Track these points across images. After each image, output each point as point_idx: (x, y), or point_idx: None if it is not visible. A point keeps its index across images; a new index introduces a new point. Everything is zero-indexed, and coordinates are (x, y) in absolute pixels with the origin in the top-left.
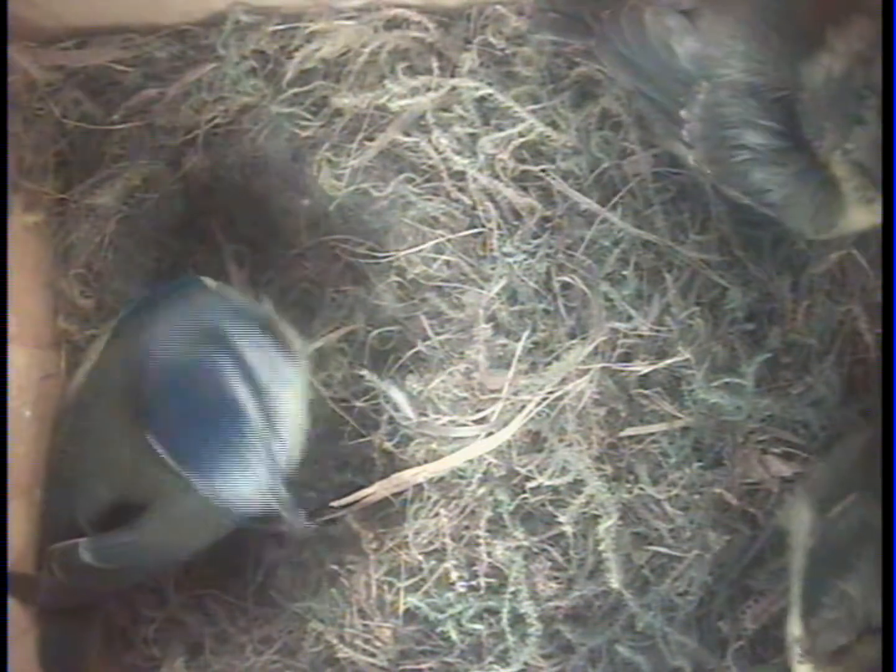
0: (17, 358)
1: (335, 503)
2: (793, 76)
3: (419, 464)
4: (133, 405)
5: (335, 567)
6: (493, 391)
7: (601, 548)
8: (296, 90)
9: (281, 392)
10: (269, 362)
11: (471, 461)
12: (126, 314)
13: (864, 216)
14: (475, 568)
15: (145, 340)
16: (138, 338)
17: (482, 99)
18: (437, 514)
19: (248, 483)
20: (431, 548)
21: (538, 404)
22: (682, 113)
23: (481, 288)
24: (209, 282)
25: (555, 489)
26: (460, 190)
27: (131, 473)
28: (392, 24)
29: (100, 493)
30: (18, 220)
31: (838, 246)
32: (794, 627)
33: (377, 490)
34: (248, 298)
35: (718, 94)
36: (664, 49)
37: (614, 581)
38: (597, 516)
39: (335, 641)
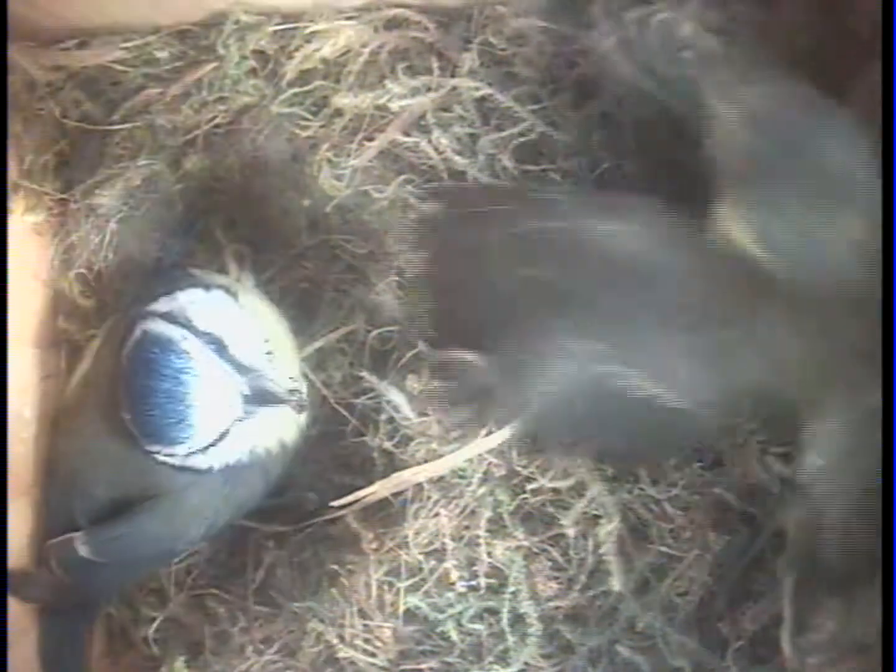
0: (17, 358)
1: (335, 503)
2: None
3: (419, 464)
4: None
5: (335, 567)
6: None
7: (601, 550)
8: (296, 90)
9: (236, 334)
10: (223, 314)
11: (471, 461)
12: (118, 315)
13: None
14: (475, 568)
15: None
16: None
17: (482, 99)
18: (437, 514)
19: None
20: (431, 548)
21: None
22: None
23: None
24: (195, 272)
25: (555, 490)
26: None
27: (125, 470)
28: (392, 24)
29: (97, 492)
30: (19, 221)
31: None
32: (785, 645)
33: (377, 490)
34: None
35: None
36: (673, 58)
37: (616, 583)
38: (597, 517)
39: (335, 641)
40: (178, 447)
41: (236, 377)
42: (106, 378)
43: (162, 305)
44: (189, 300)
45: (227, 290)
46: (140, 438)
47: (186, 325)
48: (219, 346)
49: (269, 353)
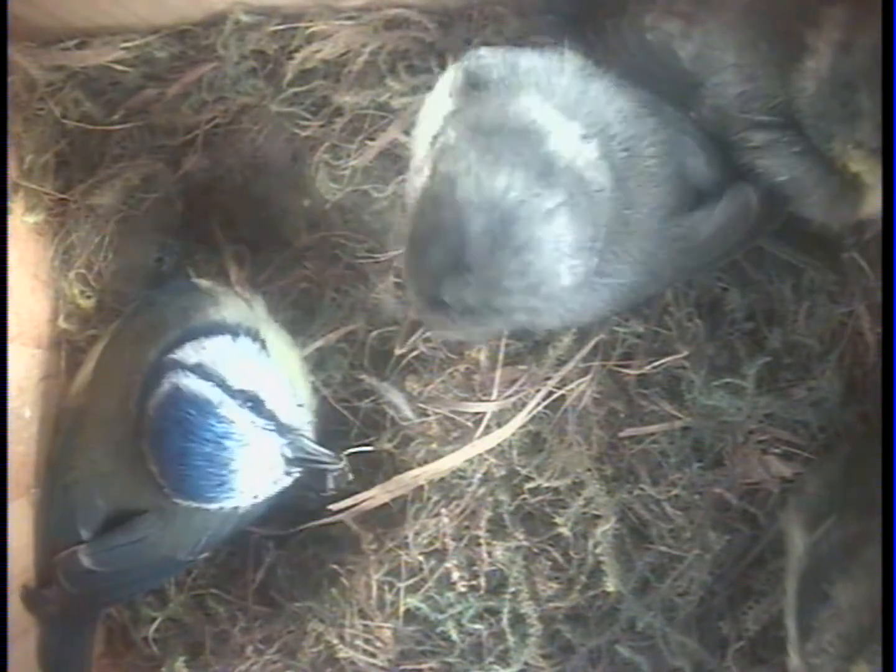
0: (18, 358)
1: (333, 506)
2: (784, 85)
3: (419, 464)
4: (133, 427)
5: (335, 567)
6: (492, 391)
7: (598, 551)
8: (296, 90)
9: (271, 388)
10: (255, 366)
11: (471, 461)
12: (124, 319)
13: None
14: (475, 568)
15: (144, 360)
16: (137, 349)
17: None
18: (437, 515)
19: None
20: (432, 548)
21: (538, 404)
22: (692, 115)
23: None
24: (203, 283)
25: (555, 490)
26: None
27: (128, 482)
28: (392, 24)
29: (99, 504)
30: (19, 221)
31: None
32: (793, 655)
33: (376, 494)
34: (240, 299)
35: (725, 96)
36: (667, 53)
37: (610, 584)
38: (597, 517)
39: (335, 641)
40: (213, 505)
41: (277, 438)
42: (112, 390)
43: (189, 355)
44: (218, 350)
45: (254, 334)
46: (170, 492)
47: (221, 384)
48: (256, 404)
49: (300, 405)
